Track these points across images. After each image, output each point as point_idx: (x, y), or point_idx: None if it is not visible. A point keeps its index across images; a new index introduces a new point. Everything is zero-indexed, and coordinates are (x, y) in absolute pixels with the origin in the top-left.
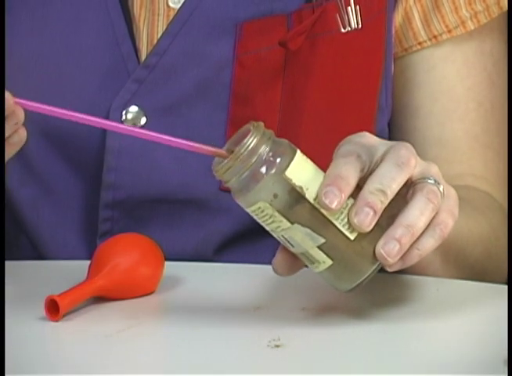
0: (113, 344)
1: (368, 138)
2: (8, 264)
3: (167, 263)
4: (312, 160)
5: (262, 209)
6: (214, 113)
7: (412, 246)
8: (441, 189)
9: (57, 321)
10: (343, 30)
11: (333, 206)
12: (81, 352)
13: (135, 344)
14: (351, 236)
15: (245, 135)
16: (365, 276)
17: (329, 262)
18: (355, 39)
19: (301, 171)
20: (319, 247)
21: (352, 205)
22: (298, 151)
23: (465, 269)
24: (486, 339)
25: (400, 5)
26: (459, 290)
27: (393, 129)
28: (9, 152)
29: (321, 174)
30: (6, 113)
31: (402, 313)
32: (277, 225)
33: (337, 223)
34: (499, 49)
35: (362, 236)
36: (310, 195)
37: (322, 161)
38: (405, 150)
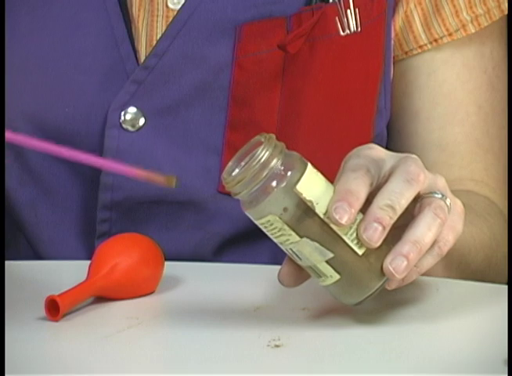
0: (113, 344)
1: (376, 150)
2: (8, 264)
3: (166, 263)
4: (311, 162)
5: (272, 222)
6: (213, 116)
7: None
8: (448, 203)
9: (57, 321)
10: (342, 34)
11: (344, 221)
12: (81, 352)
13: (135, 344)
14: (360, 252)
15: (255, 147)
16: (372, 291)
17: (336, 276)
18: (354, 42)
19: (312, 185)
20: (327, 262)
21: (361, 220)
22: (309, 165)
23: (466, 275)
24: (486, 339)
25: (401, 8)
26: (459, 290)
27: (393, 133)
28: None
29: (331, 188)
30: None
31: (401, 313)
32: (286, 238)
33: (345, 238)
34: (499, 52)
35: (369, 251)
36: (320, 209)
37: (321, 164)
38: (414, 165)
